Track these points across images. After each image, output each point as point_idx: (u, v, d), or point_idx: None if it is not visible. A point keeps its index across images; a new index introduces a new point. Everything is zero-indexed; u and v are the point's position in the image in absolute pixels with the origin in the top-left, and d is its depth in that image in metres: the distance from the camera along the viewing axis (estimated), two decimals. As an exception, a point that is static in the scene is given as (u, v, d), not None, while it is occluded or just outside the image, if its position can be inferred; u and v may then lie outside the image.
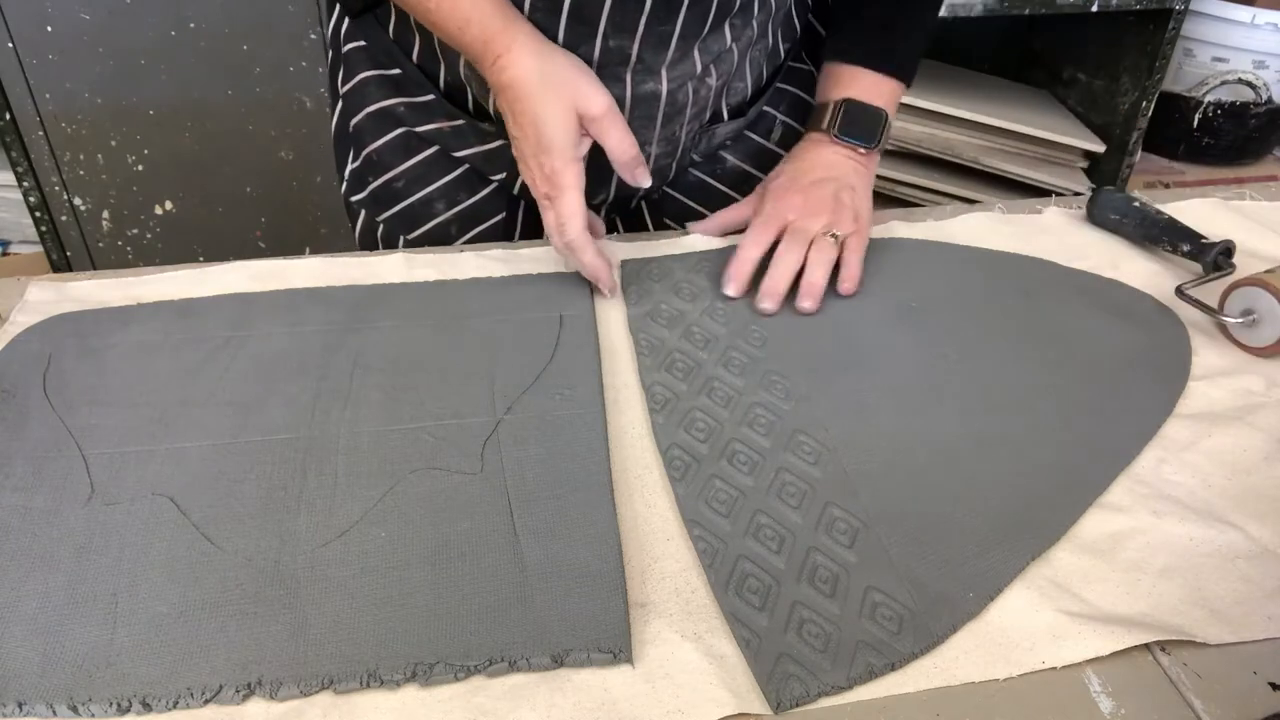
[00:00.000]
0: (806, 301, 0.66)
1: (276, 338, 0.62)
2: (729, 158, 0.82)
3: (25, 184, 1.51)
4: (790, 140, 0.78)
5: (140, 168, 1.54)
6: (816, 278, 0.66)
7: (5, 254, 1.63)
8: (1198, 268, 0.71)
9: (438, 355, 0.61)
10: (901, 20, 0.75)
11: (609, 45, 0.66)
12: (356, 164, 0.80)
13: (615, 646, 0.42)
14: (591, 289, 0.68)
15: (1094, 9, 1.41)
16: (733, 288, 0.67)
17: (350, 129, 0.79)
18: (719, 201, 0.81)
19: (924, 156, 1.49)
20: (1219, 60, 1.59)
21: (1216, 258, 0.69)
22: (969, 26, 1.45)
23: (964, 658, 0.43)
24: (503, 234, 0.80)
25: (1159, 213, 0.75)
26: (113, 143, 1.51)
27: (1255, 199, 0.83)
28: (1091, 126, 1.58)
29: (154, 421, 0.55)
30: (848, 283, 0.67)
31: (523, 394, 0.57)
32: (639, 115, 0.71)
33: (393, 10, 0.73)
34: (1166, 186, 1.60)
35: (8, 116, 1.45)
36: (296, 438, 0.54)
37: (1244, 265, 0.69)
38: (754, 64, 0.76)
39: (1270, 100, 1.58)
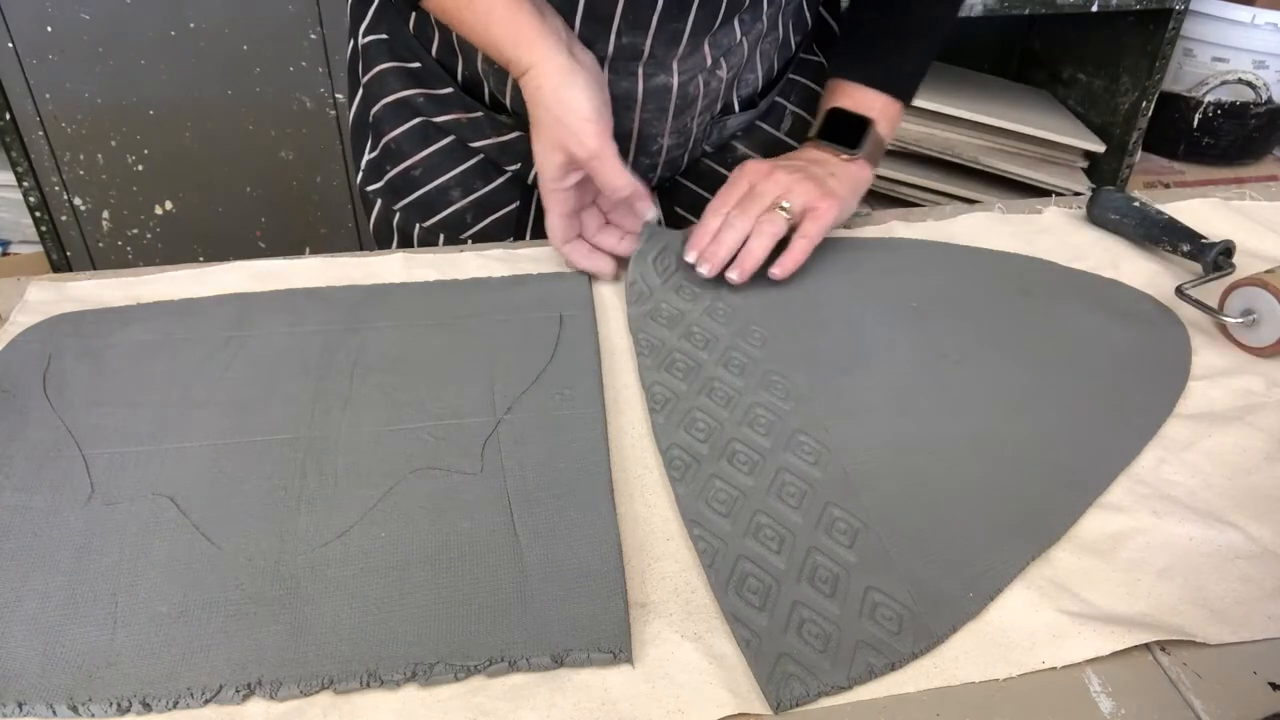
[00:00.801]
0: (733, 273, 0.65)
1: (276, 338, 0.62)
2: (740, 148, 0.83)
3: (25, 184, 1.51)
4: (800, 130, 0.79)
5: (140, 168, 1.54)
6: (754, 249, 0.66)
7: (5, 254, 1.63)
8: (1198, 268, 0.71)
9: (438, 355, 0.61)
10: (906, 42, 0.75)
11: (622, 42, 0.67)
12: (374, 153, 0.81)
13: (615, 646, 0.42)
14: (591, 289, 0.68)
15: (1094, 9, 1.41)
16: (692, 254, 0.66)
17: (370, 117, 0.80)
18: None
19: (924, 156, 1.50)
20: (1219, 60, 1.59)
21: (1216, 258, 0.69)
22: (969, 26, 1.45)
23: (964, 658, 0.43)
24: (516, 222, 0.81)
25: (1159, 213, 0.75)
26: (113, 143, 1.51)
27: (1255, 199, 0.83)
28: (1091, 126, 1.58)
29: (154, 421, 0.55)
30: (777, 268, 0.66)
31: (523, 394, 0.57)
32: (651, 108, 0.72)
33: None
34: (1166, 186, 1.60)
35: (8, 116, 1.45)
36: (296, 438, 0.54)
37: (1244, 265, 0.69)
38: (764, 56, 0.77)
39: (1270, 100, 1.58)
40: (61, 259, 1.59)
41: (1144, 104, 1.50)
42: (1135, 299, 0.68)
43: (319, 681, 0.41)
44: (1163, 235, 0.73)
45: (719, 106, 0.77)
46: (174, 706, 0.41)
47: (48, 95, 1.45)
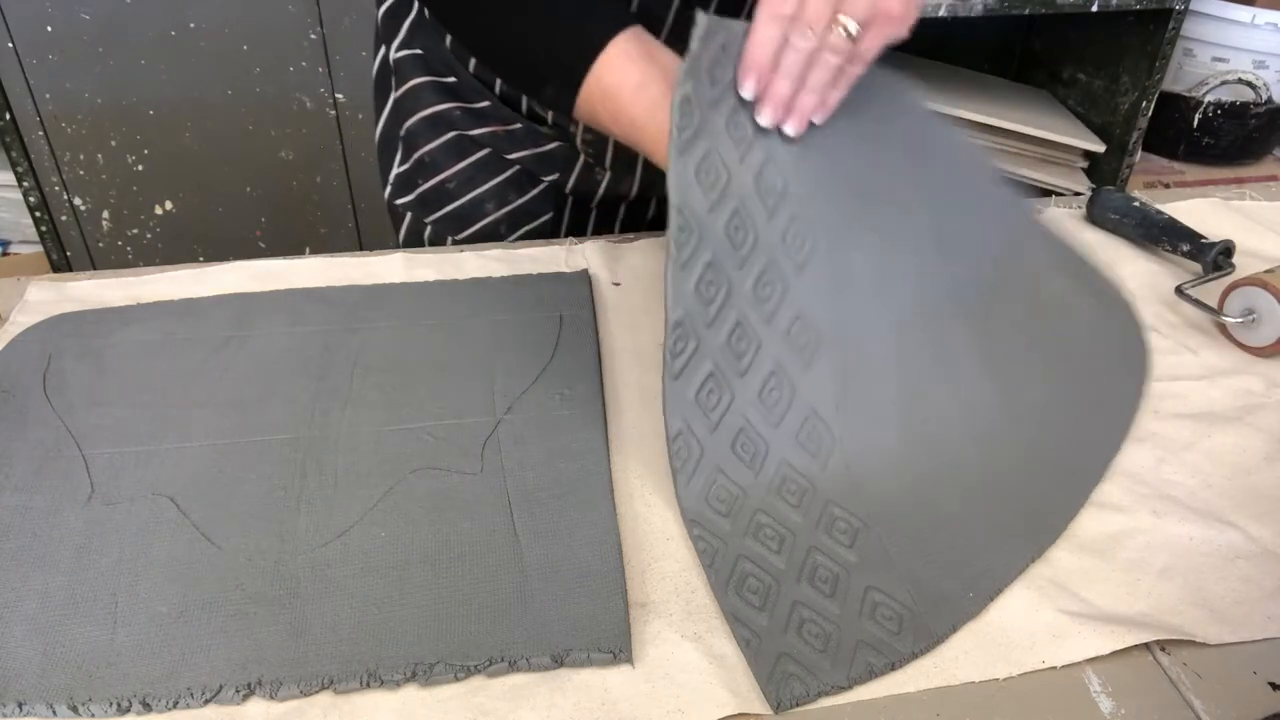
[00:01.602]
0: (790, 125, 0.53)
1: (276, 338, 0.62)
2: None
3: (25, 184, 1.51)
4: None
5: (140, 168, 1.54)
6: (826, 97, 0.52)
7: (5, 254, 1.63)
8: (1198, 268, 0.71)
9: (438, 355, 0.61)
10: None
11: None
12: (405, 167, 0.81)
13: (615, 646, 0.42)
14: (592, 289, 0.68)
15: (1094, 9, 1.41)
16: (749, 83, 0.51)
17: (402, 133, 0.80)
18: None
19: (924, 156, 1.49)
20: (1219, 60, 1.59)
21: (1216, 258, 0.69)
22: (969, 26, 1.45)
23: (964, 658, 0.43)
24: (550, 232, 0.81)
25: (1159, 213, 0.75)
26: (113, 143, 1.51)
27: (1255, 199, 0.83)
28: (1091, 126, 1.58)
29: (154, 421, 0.55)
30: (819, 110, 0.53)
31: (523, 394, 0.57)
32: None
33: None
34: (1166, 186, 1.60)
35: (8, 116, 1.45)
36: (296, 438, 0.54)
37: (1244, 265, 0.69)
38: None
39: (1270, 100, 1.58)
40: (61, 259, 1.59)
41: (1144, 104, 1.50)
42: (1087, 270, 0.66)
43: (319, 681, 0.41)
44: (1163, 235, 0.73)
45: None
46: (174, 706, 0.41)
47: (48, 95, 1.45)
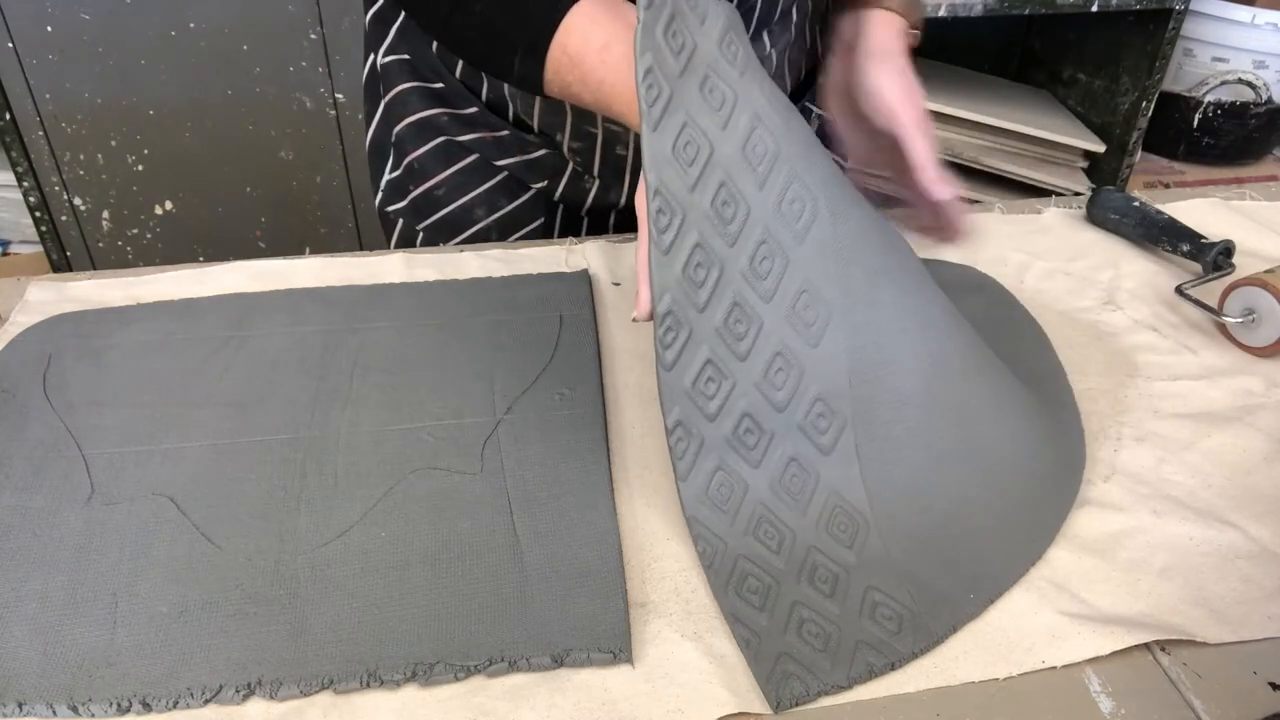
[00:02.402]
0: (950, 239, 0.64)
1: (276, 338, 0.62)
2: None
3: (25, 184, 1.51)
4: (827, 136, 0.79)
5: (140, 168, 1.54)
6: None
7: (5, 254, 1.63)
8: (1198, 268, 0.71)
9: (438, 355, 0.61)
10: None
11: None
12: (396, 173, 0.81)
13: (615, 646, 0.42)
14: (591, 289, 0.68)
15: (1094, 9, 1.41)
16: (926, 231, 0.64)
17: (391, 137, 0.79)
18: None
19: (924, 156, 1.49)
20: (1219, 60, 1.59)
21: (1216, 258, 0.69)
22: (969, 26, 1.45)
23: (964, 658, 0.43)
24: (540, 238, 0.81)
25: (1159, 213, 0.75)
26: (113, 143, 1.51)
27: (1255, 199, 0.83)
28: (1091, 126, 1.58)
29: (154, 421, 0.55)
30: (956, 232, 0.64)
31: (523, 394, 0.57)
32: None
33: None
34: (1166, 186, 1.60)
35: (8, 116, 1.45)
36: (296, 438, 0.54)
37: (1244, 265, 0.69)
38: (793, 64, 0.77)
39: (1270, 100, 1.58)
40: (61, 259, 1.59)
41: (1144, 104, 1.50)
42: (982, 280, 0.70)
43: (319, 681, 0.41)
44: (1163, 235, 0.73)
45: None
46: (174, 706, 0.41)
47: (48, 95, 1.45)
